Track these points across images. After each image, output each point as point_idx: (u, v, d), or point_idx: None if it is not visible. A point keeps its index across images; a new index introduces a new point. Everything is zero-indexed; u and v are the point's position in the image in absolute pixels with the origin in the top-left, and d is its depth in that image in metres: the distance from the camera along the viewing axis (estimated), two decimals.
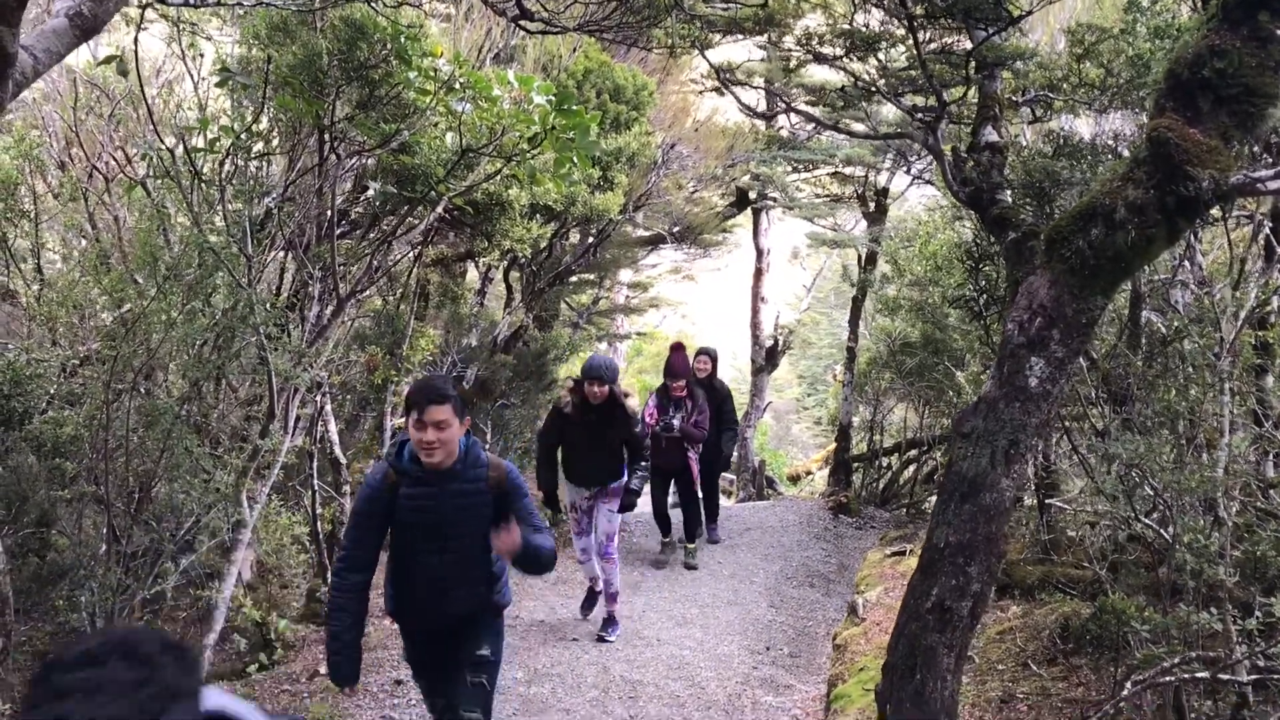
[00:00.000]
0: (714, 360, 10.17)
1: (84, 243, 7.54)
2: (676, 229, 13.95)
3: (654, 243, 14.97)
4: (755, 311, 17.75)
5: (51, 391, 6.24)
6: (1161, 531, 4.53)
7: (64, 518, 5.92)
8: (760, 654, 7.35)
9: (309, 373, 6.11)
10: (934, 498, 12.02)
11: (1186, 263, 5.96)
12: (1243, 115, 3.54)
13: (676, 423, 8.93)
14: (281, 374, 5.83)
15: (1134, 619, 3.98)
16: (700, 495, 10.05)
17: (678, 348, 9.12)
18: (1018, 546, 6.93)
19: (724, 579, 9.32)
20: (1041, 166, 5.00)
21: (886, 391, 13.45)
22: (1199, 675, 3.73)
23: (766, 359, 17.68)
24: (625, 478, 7.12)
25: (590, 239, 11.09)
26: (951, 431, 4.23)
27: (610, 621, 7.53)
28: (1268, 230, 5.33)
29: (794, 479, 20.56)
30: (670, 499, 10.01)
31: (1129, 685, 3.83)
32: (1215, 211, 5.04)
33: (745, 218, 17.67)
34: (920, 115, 5.74)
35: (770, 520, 11.88)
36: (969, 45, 5.65)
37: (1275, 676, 3.59)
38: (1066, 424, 5.86)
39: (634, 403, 6.89)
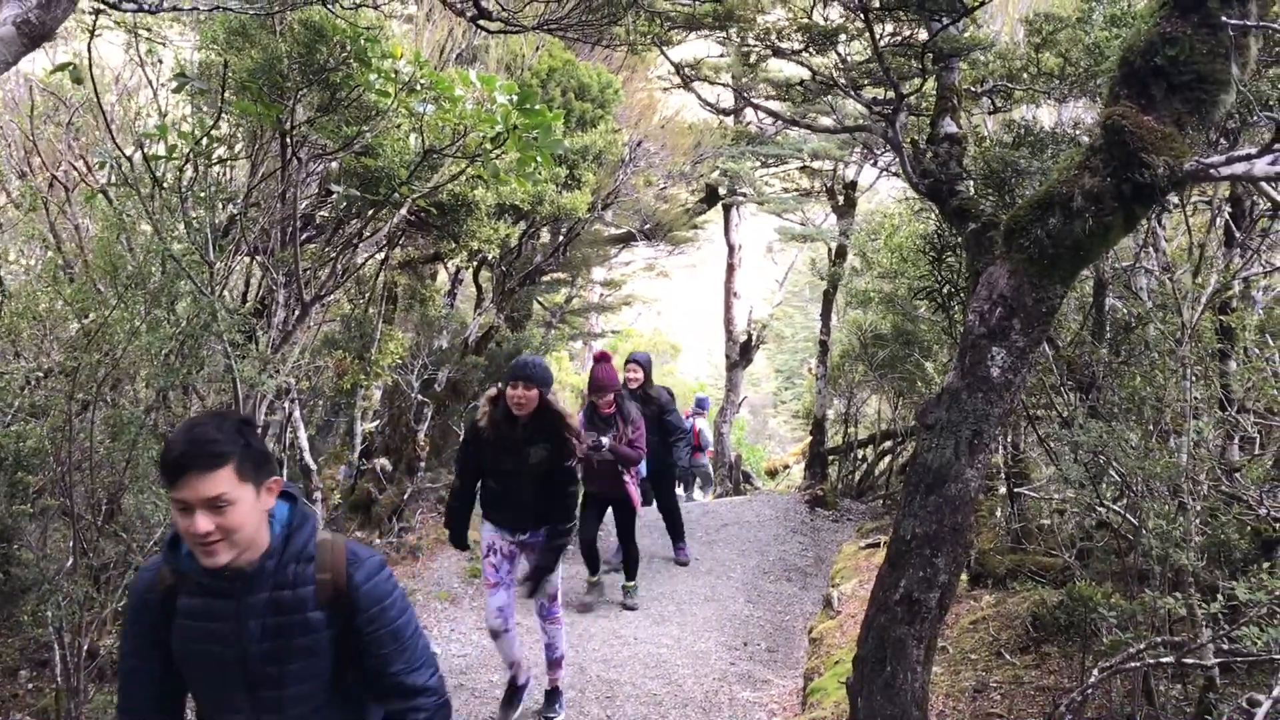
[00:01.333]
0: (646, 368, 8.97)
1: (46, 253, 7.46)
2: (647, 226, 13.96)
3: (625, 240, 14.98)
4: (728, 307, 17.82)
5: (14, 404, 6.16)
6: (1128, 517, 4.55)
7: (28, 531, 5.85)
8: (738, 650, 7.36)
9: (275, 379, 6.07)
10: None
11: (1150, 249, 5.99)
12: (1196, 102, 3.55)
13: (606, 441, 7.59)
14: (247, 381, 5.78)
15: (1101, 605, 4.00)
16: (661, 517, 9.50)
17: (602, 358, 7.98)
18: (989, 536, 6.97)
19: (701, 575, 9.33)
20: (1001, 157, 5.02)
21: (860, 384, 13.51)
22: (1165, 660, 3.75)
23: (741, 354, 17.73)
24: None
25: (560, 238, 11.08)
26: (916, 422, 4.24)
27: (554, 696, 6.09)
28: (1227, 216, 5.36)
29: (772, 473, 20.62)
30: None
31: (1096, 672, 3.85)
32: (1175, 198, 5.09)
33: (716, 214, 17.73)
34: (879, 108, 5.75)
35: (747, 515, 11.90)
36: (924, 37, 5.67)
37: (1240, 659, 3.61)
38: (1033, 412, 5.89)
39: (572, 423, 5.40)
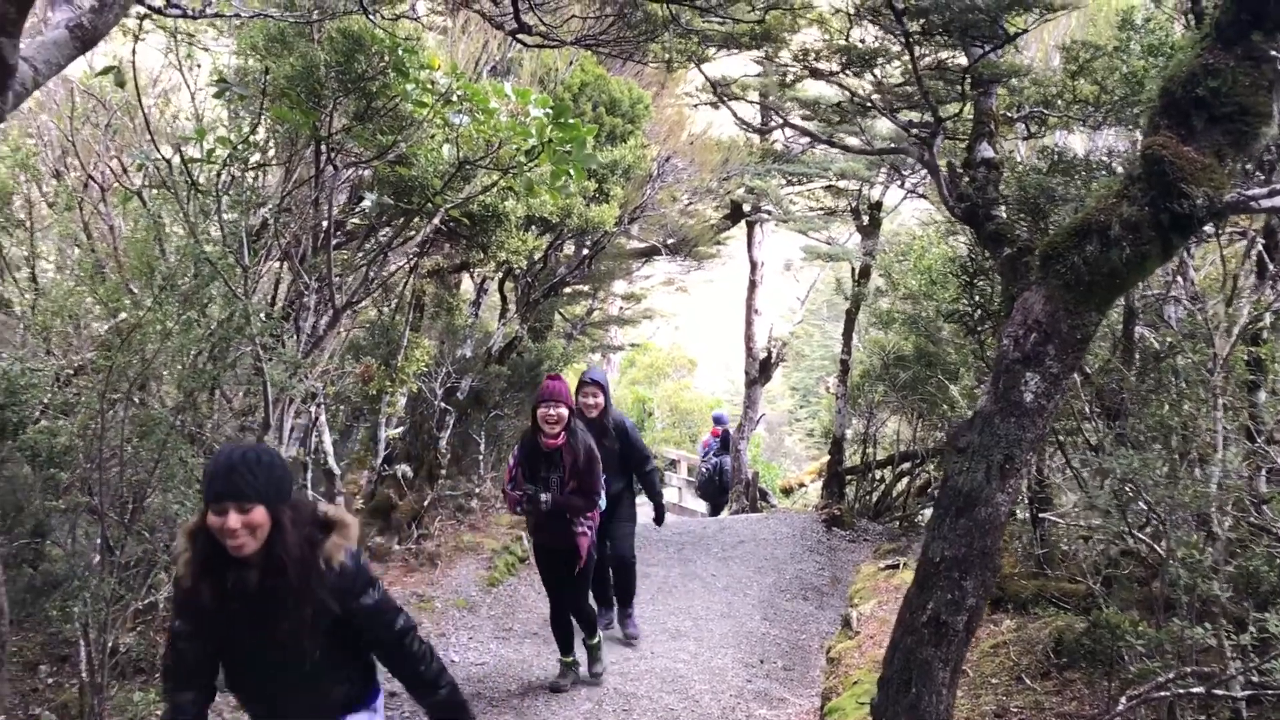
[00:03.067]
0: (605, 391, 7.20)
1: (78, 252, 7.54)
2: (671, 241, 14.00)
3: (648, 254, 15.03)
4: (749, 324, 17.79)
5: (46, 401, 6.23)
6: (1155, 546, 4.55)
7: (58, 528, 5.91)
8: (754, 667, 7.35)
9: (304, 383, 6.12)
10: (927, 511, 12.03)
11: (1179, 279, 5.99)
12: (1236, 134, 3.57)
13: (546, 496, 6.01)
14: (277, 384, 5.84)
15: (1129, 633, 4.00)
16: (609, 575, 7.66)
17: (554, 377, 6.26)
18: (1011, 560, 6.95)
19: (718, 591, 9.32)
20: (1036, 183, 5.03)
21: (880, 404, 13.49)
22: (1194, 690, 3.75)
23: (760, 371, 17.71)
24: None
25: (585, 250, 11.12)
26: (946, 445, 4.24)
27: None
28: (1260, 247, 5.36)
29: (787, 491, 20.59)
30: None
31: (1124, 700, 3.84)
32: (1209, 228, 5.09)
33: (739, 230, 17.75)
34: (916, 131, 5.78)
35: (763, 533, 11.90)
36: (964, 62, 5.69)
37: (1269, 692, 3.61)
38: (1060, 438, 5.89)
39: (341, 549, 3.00)
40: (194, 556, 2.95)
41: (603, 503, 6.54)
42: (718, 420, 17.38)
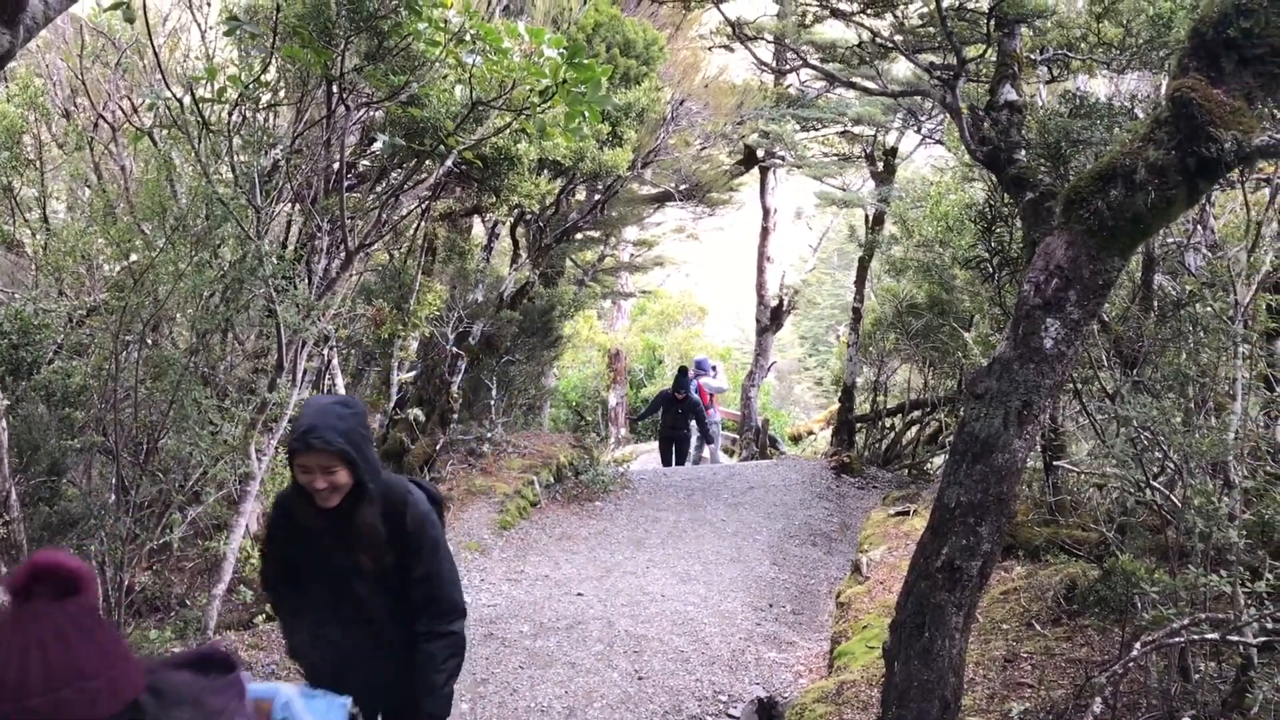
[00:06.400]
0: (352, 460, 2.88)
1: (90, 193, 7.51)
2: (684, 186, 13.87)
3: (661, 200, 14.90)
4: (761, 271, 17.70)
5: (59, 341, 6.23)
6: (1170, 495, 4.53)
7: (74, 467, 5.93)
8: (763, 611, 7.40)
9: (317, 326, 6.10)
10: (936, 459, 11.97)
11: (1200, 227, 5.92)
12: (1267, 76, 3.49)
13: None
14: (290, 327, 5.82)
15: (1143, 580, 3.99)
16: None
17: None
18: (1023, 508, 6.95)
19: (727, 536, 9.37)
20: (1059, 126, 4.95)
21: (891, 352, 13.45)
22: (1208, 637, 3.75)
23: (771, 319, 17.65)
24: None
25: (598, 195, 11.03)
26: (964, 392, 4.22)
27: None
28: None
29: (795, 438, 20.64)
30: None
31: (1137, 646, 3.85)
32: (1235, 174, 5.01)
33: (752, 177, 17.60)
34: (938, 73, 5.68)
35: (773, 479, 11.94)
36: (987, 2, 5.58)
37: None
38: (1077, 386, 5.86)
39: None
40: None
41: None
42: (699, 366, 15.44)
